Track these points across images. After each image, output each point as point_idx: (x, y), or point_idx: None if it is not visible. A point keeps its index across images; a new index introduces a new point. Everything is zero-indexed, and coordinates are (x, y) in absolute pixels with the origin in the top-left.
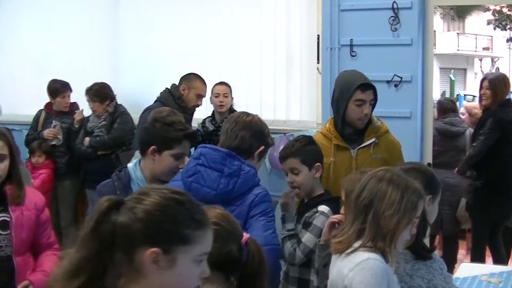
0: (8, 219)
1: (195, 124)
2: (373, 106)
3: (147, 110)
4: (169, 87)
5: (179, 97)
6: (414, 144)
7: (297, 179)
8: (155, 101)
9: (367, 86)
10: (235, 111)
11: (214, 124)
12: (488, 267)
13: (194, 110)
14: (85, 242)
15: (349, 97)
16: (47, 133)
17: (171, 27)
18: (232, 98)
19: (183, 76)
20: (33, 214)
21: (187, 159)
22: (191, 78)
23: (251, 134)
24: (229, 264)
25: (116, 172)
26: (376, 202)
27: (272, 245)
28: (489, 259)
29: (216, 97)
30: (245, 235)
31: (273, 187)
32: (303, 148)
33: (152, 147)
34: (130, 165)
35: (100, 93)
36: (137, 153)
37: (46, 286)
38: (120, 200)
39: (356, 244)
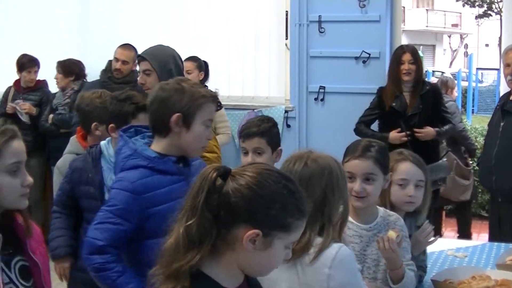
0: (27, 263)
1: None
2: (160, 78)
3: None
4: None
5: (109, 70)
6: None
7: (260, 160)
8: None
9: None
10: (206, 86)
11: None
12: (454, 242)
13: (122, 76)
14: (198, 212)
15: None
16: (8, 107)
17: (139, 4)
18: (203, 74)
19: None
20: (45, 250)
21: None
22: (118, 50)
23: (158, 106)
24: None
25: (87, 148)
26: (330, 197)
27: (86, 238)
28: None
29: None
30: None
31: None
32: (271, 129)
33: (110, 125)
34: (103, 142)
35: (66, 66)
36: None
37: (159, 260)
38: (227, 170)
39: (318, 241)
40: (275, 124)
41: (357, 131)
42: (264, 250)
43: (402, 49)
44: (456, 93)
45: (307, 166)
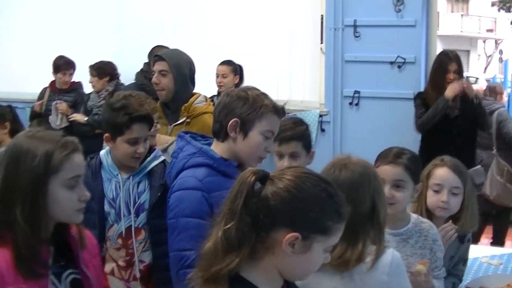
0: (79, 276)
1: None
2: (175, 80)
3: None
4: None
5: (146, 71)
6: None
7: (295, 164)
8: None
9: (157, 56)
10: None
11: None
12: (489, 249)
13: None
14: (237, 216)
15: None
16: (36, 105)
17: (173, 6)
18: (238, 77)
19: (149, 52)
20: (99, 262)
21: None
22: (153, 50)
23: (219, 111)
24: None
25: (87, 159)
26: (378, 202)
27: (174, 252)
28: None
29: (217, 77)
30: None
31: (275, 169)
32: (305, 132)
33: (105, 135)
34: (102, 151)
35: (99, 68)
36: None
37: (198, 264)
38: (265, 174)
39: (372, 249)
40: (307, 126)
41: (421, 126)
42: (303, 254)
43: (448, 57)
44: (505, 97)
45: (354, 173)
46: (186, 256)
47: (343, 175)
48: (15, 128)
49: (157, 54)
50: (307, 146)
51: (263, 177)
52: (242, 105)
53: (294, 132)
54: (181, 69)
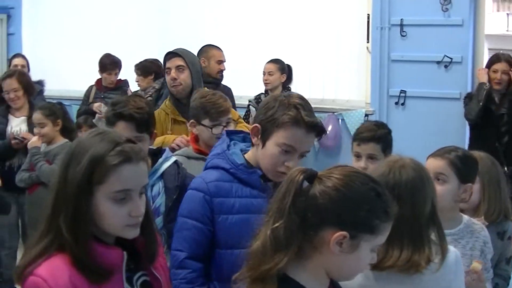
0: (148, 278)
1: (244, 101)
2: (192, 75)
3: None
4: None
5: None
6: (463, 125)
7: (372, 167)
8: None
9: (172, 53)
10: (289, 88)
11: None
12: None
13: (222, 76)
14: (285, 215)
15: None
16: (96, 106)
17: (219, 5)
18: (285, 76)
19: (198, 51)
20: (165, 261)
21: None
22: (206, 50)
23: (257, 114)
24: None
25: None
26: (436, 202)
27: (171, 250)
28: None
29: (263, 75)
30: None
31: (320, 168)
32: (386, 136)
33: None
34: None
35: (144, 67)
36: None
37: (246, 263)
38: (313, 173)
39: (437, 249)
40: (390, 131)
41: (469, 114)
42: (350, 253)
43: (498, 57)
44: None
45: (415, 174)
46: (176, 256)
47: (404, 177)
48: (66, 125)
49: (170, 51)
50: (386, 150)
51: (311, 176)
52: (267, 111)
53: (374, 133)
54: (196, 65)
